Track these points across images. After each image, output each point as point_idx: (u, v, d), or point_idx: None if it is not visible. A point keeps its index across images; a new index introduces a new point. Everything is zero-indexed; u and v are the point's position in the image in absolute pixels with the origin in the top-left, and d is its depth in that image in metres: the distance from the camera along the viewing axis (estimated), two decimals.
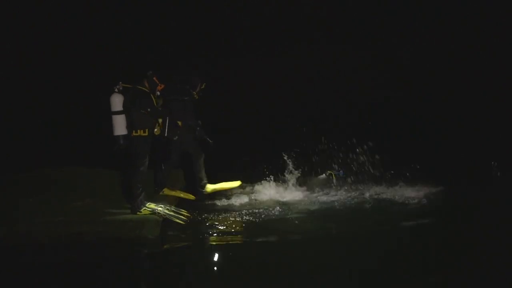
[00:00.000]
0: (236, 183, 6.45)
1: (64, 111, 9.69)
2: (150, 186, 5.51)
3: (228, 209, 5.87)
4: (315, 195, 6.74)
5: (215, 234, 4.73)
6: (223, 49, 11.71)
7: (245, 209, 5.83)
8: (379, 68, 11.42)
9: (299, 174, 7.71)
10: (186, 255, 4.09)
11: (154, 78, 4.90)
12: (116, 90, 4.82)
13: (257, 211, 5.71)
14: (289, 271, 3.55)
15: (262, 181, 7.42)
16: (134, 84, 4.90)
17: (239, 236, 4.65)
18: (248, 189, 7.16)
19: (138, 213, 4.86)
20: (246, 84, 10.87)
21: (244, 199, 6.52)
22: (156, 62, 9.64)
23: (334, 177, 7.85)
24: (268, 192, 6.93)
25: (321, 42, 11.72)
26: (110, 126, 4.85)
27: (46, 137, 9.14)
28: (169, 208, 5.18)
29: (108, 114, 4.84)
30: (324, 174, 7.98)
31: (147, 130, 4.83)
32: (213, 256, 4.10)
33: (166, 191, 5.77)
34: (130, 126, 4.78)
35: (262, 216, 5.42)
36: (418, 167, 7.56)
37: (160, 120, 5.04)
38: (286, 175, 7.51)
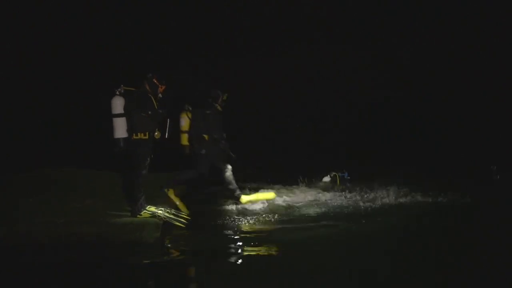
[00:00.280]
0: (271, 195, 6.33)
1: (64, 111, 9.69)
2: (150, 188, 5.49)
3: (229, 213, 5.85)
4: (318, 197, 6.64)
5: (216, 237, 4.73)
6: (223, 49, 11.72)
7: (247, 213, 5.77)
8: (379, 68, 11.43)
9: (301, 177, 7.67)
10: (186, 258, 4.09)
11: (154, 80, 4.88)
12: (117, 92, 4.82)
13: (259, 214, 5.67)
14: (289, 274, 3.54)
15: (266, 184, 7.37)
16: (135, 87, 4.88)
17: (240, 238, 4.64)
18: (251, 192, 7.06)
19: (138, 216, 4.86)
20: (246, 84, 10.87)
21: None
22: (156, 62, 9.65)
23: (338, 178, 7.83)
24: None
25: (321, 42, 11.73)
26: (110, 128, 4.84)
27: (46, 137, 9.14)
28: (169, 211, 5.16)
29: (108, 115, 4.84)
30: (328, 176, 7.96)
31: (147, 133, 4.81)
32: (213, 258, 4.10)
33: (170, 192, 5.75)
34: (130, 129, 4.78)
35: (265, 219, 5.39)
36: (418, 167, 7.56)
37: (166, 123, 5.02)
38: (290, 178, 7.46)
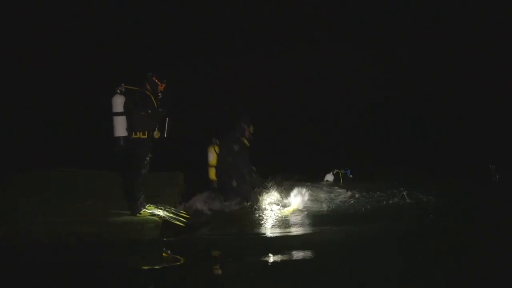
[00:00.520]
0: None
1: (64, 111, 9.69)
2: (150, 188, 5.48)
3: (228, 211, 5.83)
4: (322, 198, 6.57)
5: (215, 236, 4.73)
6: (223, 49, 11.72)
7: (248, 214, 5.74)
8: (379, 68, 11.42)
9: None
10: (185, 258, 4.09)
11: (154, 79, 4.89)
12: (118, 91, 4.83)
13: (260, 214, 5.65)
14: (291, 274, 3.54)
15: (267, 183, 7.31)
16: (136, 87, 4.89)
17: (239, 237, 4.64)
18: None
19: (138, 214, 4.86)
20: (246, 84, 10.87)
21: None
22: (156, 62, 9.65)
23: (341, 176, 7.80)
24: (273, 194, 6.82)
25: (321, 42, 11.73)
26: (110, 127, 4.85)
27: (46, 137, 9.14)
28: (168, 209, 5.17)
29: (108, 114, 4.84)
30: (331, 173, 7.93)
31: (146, 132, 4.82)
32: (212, 257, 4.10)
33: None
34: (130, 128, 4.78)
35: (266, 219, 5.38)
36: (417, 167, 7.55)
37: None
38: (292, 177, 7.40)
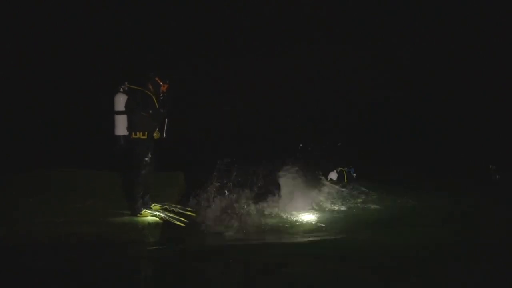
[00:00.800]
0: None
1: (64, 111, 9.68)
2: (155, 188, 5.45)
3: (230, 212, 5.80)
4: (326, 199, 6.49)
5: (215, 237, 4.72)
6: (223, 49, 11.72)
7: (250, 214, 5.71)
8: (379, 68, 11.42)
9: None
10: (185, 258, 4.08)
11: (157, 79, 4.89)
12: (121, 90, 4.84)
13: (263, 215, 5.63)
14: (290, 277, 3.52)
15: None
16: (139, 86, 4.88)
17: (240, 239, 4.63)
18: (254, 192, 6.96)
19: (138, 215, 4.86)
20: (246, 84, 10.87)
21: (250, 201, 6.35)
22: (156, 62, 9.65)
23: (345, 174, 7.77)
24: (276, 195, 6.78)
25: (321, 42, 11.73)
26: (111, 125, 4.84)
27: (46, 137, 9.13)
28: (174, 207, 5.17)
29: (109, 114, 4.84)
30: (335, 171, 7.90)
31: (146, 133, 4.81)
32: (212, 259, 4.09)
33: None
34: (130, 127, 4.78)
35: (268, 220, 5.36)
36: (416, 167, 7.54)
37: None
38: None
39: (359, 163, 8.37)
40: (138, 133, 4.79)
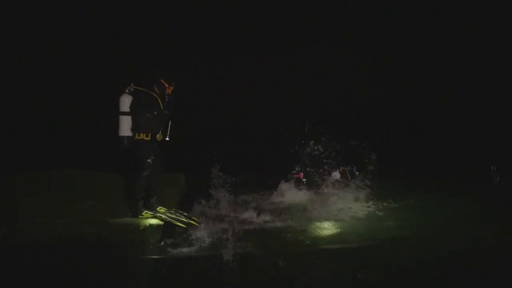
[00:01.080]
0: None
1: (64, 111, 9.69)
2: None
3: (232, 215, 5.77)
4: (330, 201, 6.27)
5: (215, 240, 4.70)
6: (223, 49, 11.72)
7: (255, 216, 5.65)
8: (379, 68, 11.42)
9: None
10: (186, 260, 4.08)
11: (162, 81, 4.89)
12: (127, 91, 4.85)
13: (265, 216, 5.59)
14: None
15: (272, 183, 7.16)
16: (144, 88, 4.88)
17: (242, 242, 4.60)
18: (258, 193, 6.90)
19: (139, 216, 4.86)
20: (246, 84, 10.87)
21: (254, 203, 6.30)
22: (156, 62, 9.65)
23: (348, 173, 7.74)
24: (280, 194, 6.72)
25: (321, 42, 11.73)
26: (115, 126, 4.84)
27: (46, 137, 9.14)
28: (180, 214, 5.14)
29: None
30: (337, 171, 7.86)
31: (150, 134, 4.81)
32: (212, 260, 4.08)
33: None
34: (134, 128, 4.79)
35: (272, 221, 5.31)
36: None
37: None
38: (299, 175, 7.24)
39: (360, 164, 8.36)
40: (142, 134, 4.79)
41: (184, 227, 4.92)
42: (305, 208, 5.86)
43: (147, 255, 4.15)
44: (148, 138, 4.81)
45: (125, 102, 4.78)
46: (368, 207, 6.01)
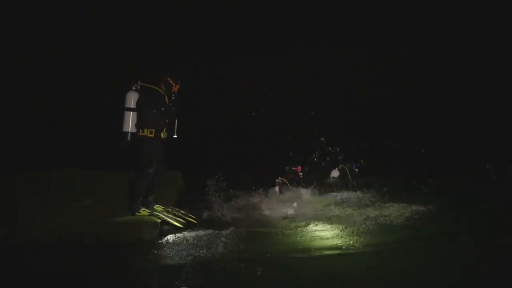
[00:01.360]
0: None
1: (64, 111, 9.69)
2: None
3: (231, 214, 5.78)
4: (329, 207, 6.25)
5: (214, 238, 4.71)
6: (223, 49, 11.72)
7: (252, 215, 5.66)
8: (379, 68, 11.43)
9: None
10: (182, 258, 4.08)
11: (169, 79, 4.91)
12: (133, 88, 4.87)
13: (266, 215, 5.60)
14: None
15: (272, 183, 7.17)
16: (152, 85, 4.90)
17: (236, 239, 4.61)
18: (258, 193, 6.89)
19: (136, 213, 4.85)
20: (246, 84, 10.87)
21: (253, 202, 6.29)
22: (156, 62, 9.65)
23: (348, 171, 7.72)
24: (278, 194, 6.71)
25: (321, 42, 11.74)
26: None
27: (46, 137, 9.14)
28: (177, 212, 5.14)
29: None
30: (336, 169, 7.84)
31: (153, 131, 4.81)
32: (210, 259, 4.09)
33: None
34: (138, 124, 4.79)
35: (270, 221, 5.32)
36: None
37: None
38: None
39: (359, 163, 8.38)
40: (145, 130, 4.78)
41: (181, 227, 4.92)
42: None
43: (147, 254, 4.16)
44: (152, 135, 4.80)
45: (131, 99, 4.79)
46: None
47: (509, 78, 10.70)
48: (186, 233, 4.80)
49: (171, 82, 4.92)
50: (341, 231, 4.60)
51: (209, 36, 11.71)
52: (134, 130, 4.82)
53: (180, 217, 5.09)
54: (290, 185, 6.82)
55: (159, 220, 4.89)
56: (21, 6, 10.14)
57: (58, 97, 9.71)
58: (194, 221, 5.02)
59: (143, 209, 4.92)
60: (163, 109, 4.78)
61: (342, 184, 7.16)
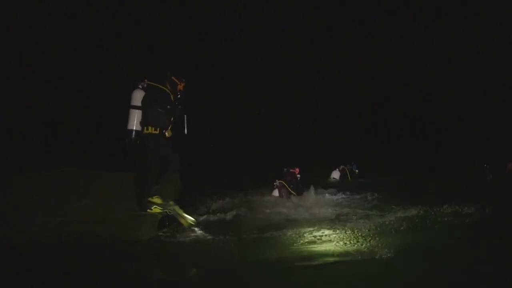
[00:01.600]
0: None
1: (64, 111, 9.69)
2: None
3: (230, 215, 5.77)
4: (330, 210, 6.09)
5: (212, 237, 4.70)
6: (223, 49, 11.73)
7: (250, 213, 5.64)
8: (379, 68, 11.44)
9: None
10: (181, 258, 4.08)
11: (173, 78, 4.94)
12: (140, 86, 4.90)
13: (266, 218, 5.58)
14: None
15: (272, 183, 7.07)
16: (158, 84, 4.92)
17: (233, 239, 4.59)
18: (258, 194, 6.85)
19: (148, 210, 4.86)
20: (246, 84, 10.88)
21: (252, 204, 6.26)
22: (156, 62, 9.65)
23: (348, 172, 7.69)
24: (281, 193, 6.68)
25: (321, 42, 11.75)
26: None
27: (46, 137, 9.14)
28: (176, 212, 5.14)
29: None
30: (337, 170, 7.82)
31: (158, 129, 4.85)
32: (209, 257, 4.08)
33: None
34: (143, 122, 4.81)
35: (269, 220, 5.30)
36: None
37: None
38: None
39: (359, 163, 8.37)
40: (150, 128, 4.81)
41: (193, 224, 4.90)
42: None
43: (146, 254, 4.15)
44: (157, 132, 4.83)
45: (137, 97, 4.82)
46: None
47: (509, 78, 10.71)
48: (186, 233, 4.81)
49: (176, 80, 4.96)
50: (345, 236, 4.53)
51: (209, 36, 11.72)
52: (139, 128, 4.85)
53: (178, 212, 5.09)
54: (289, 187, 6.77)
55: (157, 220, 4.88)
56: (21, 6, 10.14)
57: (58, 97, 9.71)
58: (192, 223, 5.01)
59: (154, 206, 4.93)
60: (168, 107, 4.80)
61: (343, 185, 7.13)
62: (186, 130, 5.05)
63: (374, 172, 7.75)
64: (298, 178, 6.97)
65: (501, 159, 7.36)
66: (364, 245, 3.97)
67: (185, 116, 5.05)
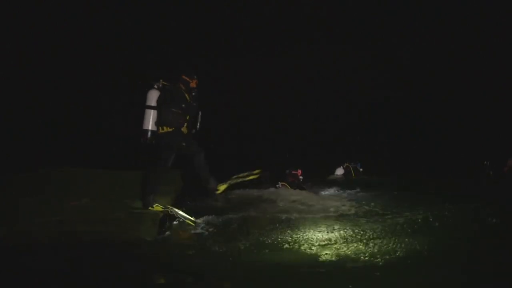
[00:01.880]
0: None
1: (64, 111, 9.69)
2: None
3: (230, 216, 5.76)
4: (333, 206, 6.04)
5: (210, 236, 4.70)
6: (223, 49, 11.73)
7: (252, 212, 5.63)
8: (379, 68, 11.44)
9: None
10: (181, 258, 4.08)
11: (184, 77, 4.99)
12: (155, 86, 4.92)
13: (268, 214, 5.56)
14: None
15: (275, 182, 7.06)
16: (173, 84, 4.97)
17: (232, 237, 4.59)
18: (260, 192, 6.84)
19: (150, 208, 4.87)
20: (246, 84, 10.88)
21: (252, 204, 6.25)
22: (156, 62, 9.66)
23: (352, 170, 7.67)
24: (283, 192, 6.68)
25: (321, 42, 11.75)
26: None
27: (46, 137, 9.13)
28: (175, 212, 5.14)
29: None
30: (341, 167, 7.78)
31: (173, 128, 4.90)
32: (208, 257, 4.08)
33: None
34: (158, 122, 4.86)
35: (274, 220, 5.27)
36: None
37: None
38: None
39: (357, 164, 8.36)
40: (165, 127, 4.86)
41: (193, 225, 4.90)
42: None
43: (146, 254, 4.15)
44: (172, 129, 4.87)
45: (153, 97, 4.87)
46: None
47: (509, 78, 10.71)
48: (186, 233, 4.81)
49: (187, 79, 5.01)
50: (345, 236, 4.51)
51: (209, 36, 11.73)
52: (154, 128, 4.91)
53: (182, 212, 5.10)
54: (291, 188, 6.76)
55: (157, 219, 4.89)
56: (21, 6, 10.14)
57: (58, 97, 9.71)
58: (192, 223, 5.02)
59: (156, 204, 4.94)
60: (183, 105, 4.84)
61: (347, 183, 7.08)
62: (198, 125, 5.11)
63: (374, 172, 7.73)
64: (301, 180, 6.97)
65: (501, 157, 7.36)
66: (364, 246, 3.97)
67: (199, 113, 5.12)
